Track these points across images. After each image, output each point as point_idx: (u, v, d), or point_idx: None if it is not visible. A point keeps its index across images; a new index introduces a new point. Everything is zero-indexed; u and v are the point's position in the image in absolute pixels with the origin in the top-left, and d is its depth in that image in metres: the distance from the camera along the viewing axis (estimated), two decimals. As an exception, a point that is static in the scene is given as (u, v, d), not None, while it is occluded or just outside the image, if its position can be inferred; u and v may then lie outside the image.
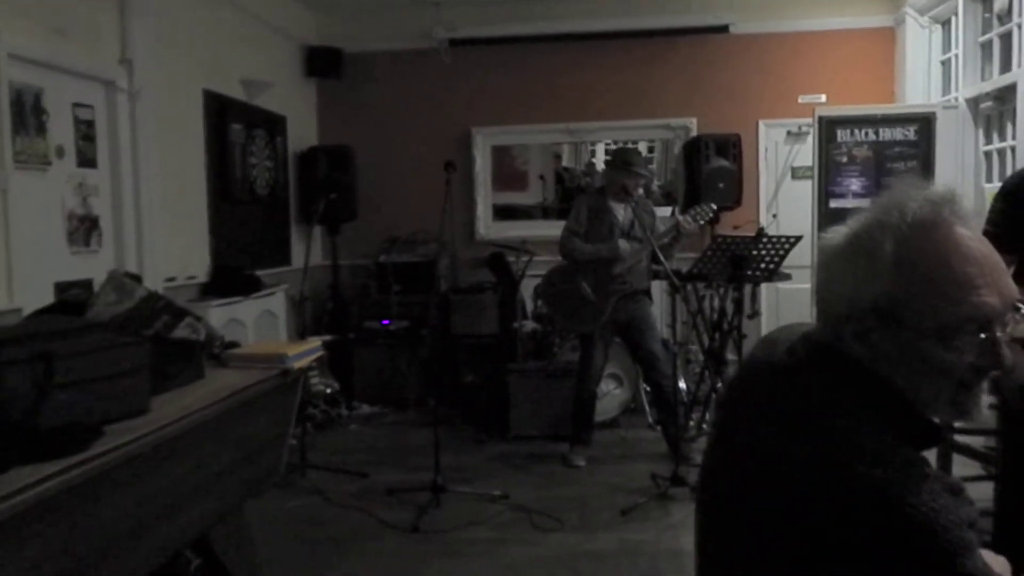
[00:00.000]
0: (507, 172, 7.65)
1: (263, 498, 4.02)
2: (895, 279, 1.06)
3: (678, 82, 6.88)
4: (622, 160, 5.00)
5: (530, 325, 6.16)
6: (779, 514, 1.08)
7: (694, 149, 6.52)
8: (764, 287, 6.05)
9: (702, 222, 4.88)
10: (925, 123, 5.81)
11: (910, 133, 5.85)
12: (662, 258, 4.54)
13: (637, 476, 4.64)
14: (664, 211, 5.33)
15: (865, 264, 1.09)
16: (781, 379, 1.19)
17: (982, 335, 1.06)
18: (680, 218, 4.85)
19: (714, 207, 4.89)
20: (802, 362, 1.18)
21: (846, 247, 1.13)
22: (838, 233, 1.16)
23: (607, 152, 7.71)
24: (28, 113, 3.82)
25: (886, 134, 5.89)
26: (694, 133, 6.79)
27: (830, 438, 1.06)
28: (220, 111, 5.58)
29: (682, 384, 5.74)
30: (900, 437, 1.08)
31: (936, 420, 1.15)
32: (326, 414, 5.92)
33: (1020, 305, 1.12)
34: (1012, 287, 1.08)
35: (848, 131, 5.94)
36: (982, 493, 3.52)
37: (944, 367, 1.07)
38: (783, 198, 6.82)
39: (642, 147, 8.12)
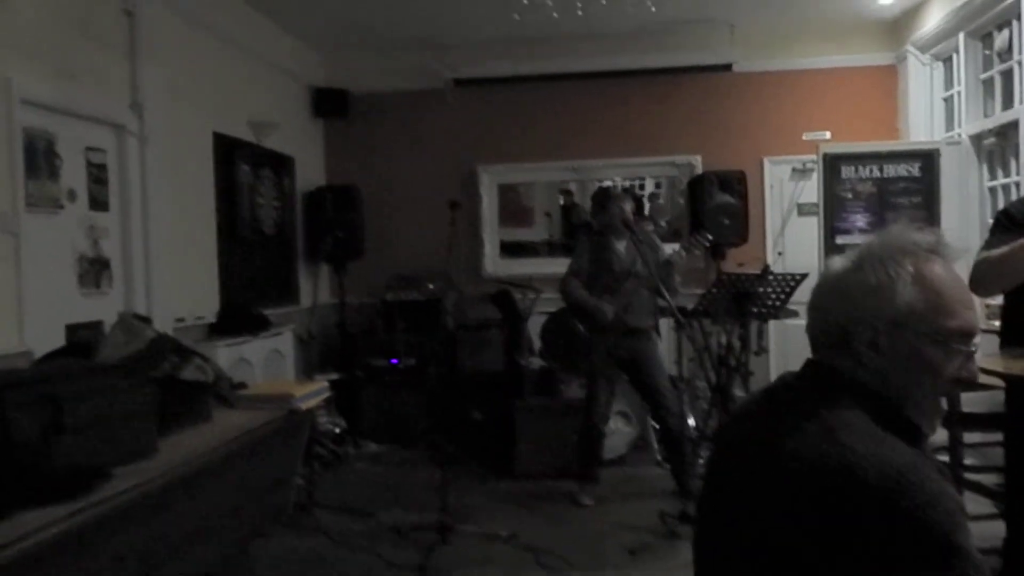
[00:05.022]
0: (513, 208, 7.70)
1: (269, 538, 4.01)
2: (914, 293, 1.26)
3: (682, 120, 6.95)
4: (599, 201, 5.12)
5: (537, 362, 6.16)
6: (782, 510, 1.19)
7: (699, 186, 6.56)
8: (772, 324, 6.04)
9: (697, 252, 4.89)
10: (929, 159, 5.85)
11: (914, 169, 5.88)
12: (664, 293, 4.54)
13: (645, 514, 4.61)
14: (674, 246, 5.34)
15: (888, 282, 1.27)
16: (777, 395, 1.37)
17: (964, 347, 1.28)
18: (672, 250, 4.87)
19: (709, 236, 4.90)
20: (795, 379, 1.37)
21: (865, 270, 1.30)
22: (845, 260, 1.34)
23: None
24: (40, 157, 3.88)
25: (890, 170, 5.93)
26: (699, 170, 6.83)
27: (827, 428, 1.21)
28: (229, 152, 5.65)
29: (691, 420, 5.72)
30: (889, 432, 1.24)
31: (919, 422, 1.30)
32: (333, 453, 5.90)
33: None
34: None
35: (852, 168, 5.98)
36: (994, 531, 3.49)
37: (939, 371, 1.27)
38: (790, 234, 6.84)
39: (648, 184, 8.18)
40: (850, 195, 5.96)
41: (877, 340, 1.27)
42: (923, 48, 6.29)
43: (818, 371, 1.34)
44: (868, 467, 1.13)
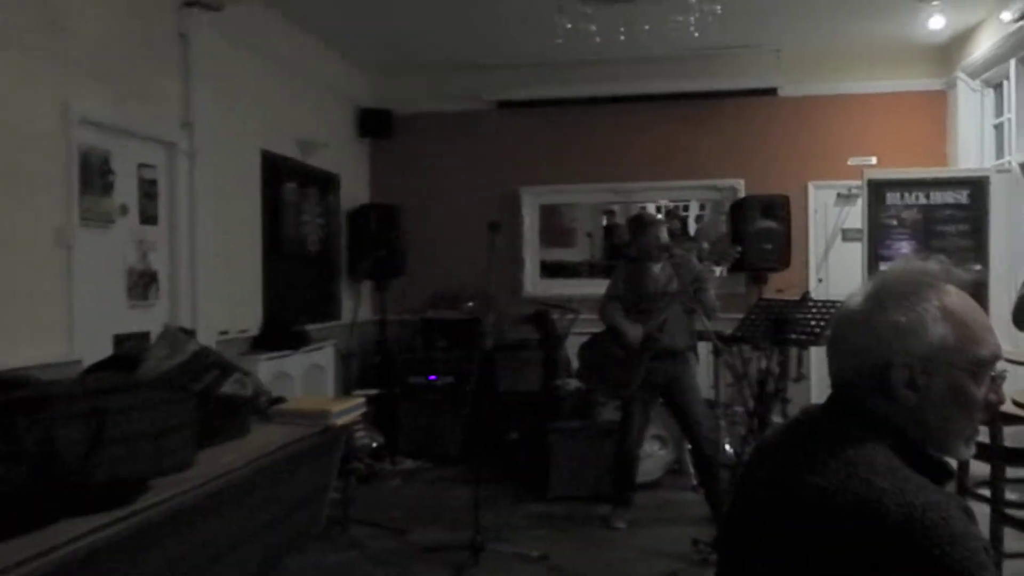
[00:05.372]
0: (555, 228, 7.73)
1: (303, 551, 4.06)
2: (943, 327, 1.25)
3: (726, 144, 6.92)
4: (636, 226, 5.12)
5: (573, 383, 6.16)
6: (804, 545, 1.19)
7: (740, 210, 6.53)
8: (813, 351, 5.97)
9: (726, 264, 4.88)
10: (978, 187, 5.76)
11: (962, 197, 5.79)
12: (704, 316, 4.52)
13: (679, 540, 4.56)
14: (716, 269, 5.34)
15: (916, 319, 1.26)
16: (801, 429, 1.36)
17: (993, 373, 1.29)
18: (700, 265, 4.86)
19: (738, 248, 4.88)
20: (819, 413, 1.36)
21: (890, 308, 1.28)
22: (864, 298, 1.31)
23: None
24: (95, 173, 4.01)
25: (936, 197, 5.84)
26: (741, 194, 6.80)
27: (849, 464, 1.20)
28: (276, 170, 5.78)
29: (727, 446, 5.67)
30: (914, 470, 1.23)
31: (944, 459, 1.30)
32: (369, 468, 5.95)
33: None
34: None
35: (898, 194, 5.91)
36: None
37: (975, 400, 1.27)
38: (833, 260, 6.76)
39: (692, 207, 8.16)
40: (895, 222, 5.89)
41: (914, 379, 1.26)
42: (973, 74, 6.20)
43: (844, 407, 1.32)
44: (891, 504, 1.13)
